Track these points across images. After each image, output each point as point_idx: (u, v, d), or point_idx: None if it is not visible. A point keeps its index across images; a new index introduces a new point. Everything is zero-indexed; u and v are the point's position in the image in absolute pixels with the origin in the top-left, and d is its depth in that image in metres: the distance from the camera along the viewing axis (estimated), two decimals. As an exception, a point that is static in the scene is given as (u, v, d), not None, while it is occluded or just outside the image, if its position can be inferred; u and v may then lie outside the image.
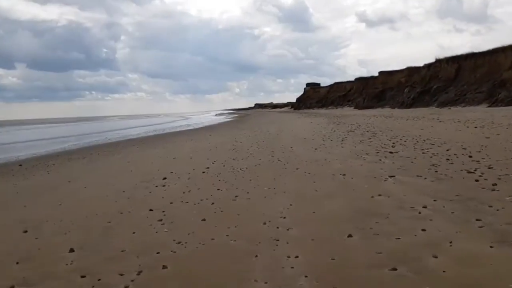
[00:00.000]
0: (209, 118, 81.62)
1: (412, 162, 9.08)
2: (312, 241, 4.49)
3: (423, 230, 4.52)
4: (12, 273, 4.20)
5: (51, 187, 9.76)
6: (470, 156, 9.11)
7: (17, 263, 4.47)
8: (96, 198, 7.81)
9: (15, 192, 9.38)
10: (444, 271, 3.51)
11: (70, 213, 6.64)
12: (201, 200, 6.81)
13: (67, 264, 4.30)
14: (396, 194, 6.24)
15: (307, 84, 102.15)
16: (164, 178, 9.10)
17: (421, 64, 51.00)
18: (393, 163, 9.13)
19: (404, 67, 55.04)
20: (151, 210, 6.35)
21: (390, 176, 7.63)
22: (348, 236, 4.53)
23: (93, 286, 3.74)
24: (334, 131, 19.83)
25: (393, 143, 12.75)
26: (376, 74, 62.07)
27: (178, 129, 37.74)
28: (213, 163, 11.01)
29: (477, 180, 6.74)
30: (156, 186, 8.36)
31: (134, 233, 5.27)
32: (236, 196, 6.95)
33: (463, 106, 35.63)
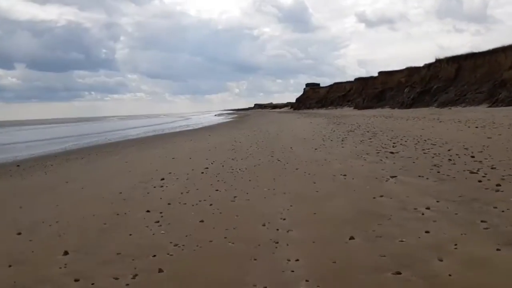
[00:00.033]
0: (209, 118, 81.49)
1: (413, 162, 8.96)
2: (312, 244, 4.37)
3: (427, 232, 4.40)
4: (3, 276, 4.08)
5: (48, 187, 9.63)
6: (472, 156, 8.99)
7: (10, 266, 4.34)
8: (93, 199, 7.68)
9: (11, 193, 9.24)
10: (450, 275, 3.39)
11: (66, 215, 6.51)
12: (200, 201, 6.68)
13: (60, 268, 4.17)
14: (398, 195, 6.11)
15: (307, 85, 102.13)
16: (162, 179, 8.97)
17: (421, 64, 50.98)
18: (394, 163, 9.02)
19: (404, 67, 55.05)
20: (148, 211, 6.22)
21: (392, 177, 7.51)
22: (350, 238, 4.40)
23: (86, 291, 3.62)
24: (334, 131, 19.72)
25: (394, 143, 12.63)
26: (376, 74, 62.01)
27: (178, 130, 37.62)
28: (212, 163, 10.88)
29: (480, 181, 6.62)
30: (154, 187, 8.23)
31: (130, 235, 5.14)
32: (235, 196, 6.82)
33: (464, 106, 35.54)
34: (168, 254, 4.34)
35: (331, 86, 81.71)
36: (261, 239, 4.60)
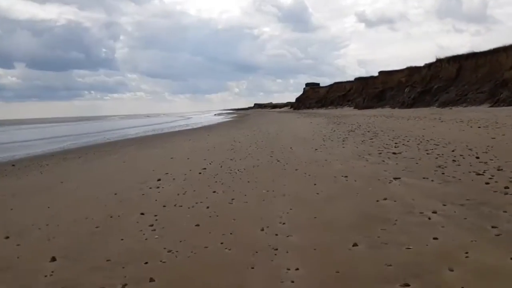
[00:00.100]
0: (208, 118, 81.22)
1: (416, 163, 8.72)
2: (314, 251, 4.11)
3: (435, 238, 4.15)
4: (-15, 285, 3.84)
5: (42, 188, 9.39)
6: (477, 157, 8.75)
7: (-8, 273, 4.10)
8: (87, 200, 7.43)
9: (4, 194, 8.99)
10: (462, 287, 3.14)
11: (57, 217, 6.27)
12: (196, 203, 6.44)
13: (46, 276, 3.93)
14: (403, 198, 5.87)
15: (307, 84, 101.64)
16: (159, 180, 8.73)
17: (422, 64, 50.67)
18: (397, 164, 8.77)
19: (404, 67, 54.72)
20: (142, 214, 5.98)
21: (395, 178, 7.27)
22: (353, 245, 4.15)
23: (71, 302, 3.38)
24: (334, 131, 19.47)
25: (396, 143, 12.39)
26: (376, 74, 61.70)
27: (177, 129, 37.38)
28: (210, 163, 10.64)
29: (487, 183, 6.38)
30: (150, 188, 7.99)
31: (122, 239, 4.90)
32: (233, 199, 6.58)
33: (465, 106, 35.27)
34: (160, 261, 4.10)
35: (331, 86, 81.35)
36: (259, 245, 4.35)
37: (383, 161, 9.35)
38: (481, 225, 4.47)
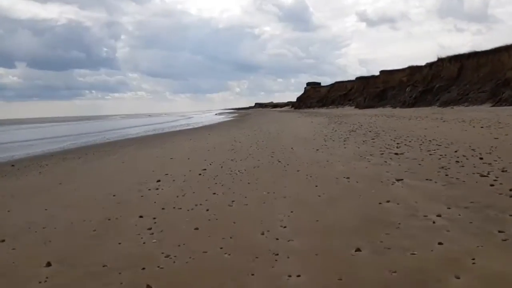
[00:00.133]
0: (209, 117, 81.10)
1: (419, 164, 8.60)
2: (315, 256, 4.00)
3: (440, 243, 4.03)
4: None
5: (41, 189, 9.29)
6: (481, 158, 8.62)
7: (-14, 279, 4.00)
8: (85, 201, 7.33)
9: (2, 195, 8.89)
10: (470, 296, 3.03)
11: (55, 219, 6.17)
12: (195, 205, 6.33)
13: (40, 282, 3.83)
14: (406, 200, 5.75)
15: (308, 84, 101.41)
16: (158, 181, 8.63)
17: (423, 63, 50.47)
18: (399, 165, 8.65)
19: (405, 66, 54.49)
20: (141, 216, 5.87)
21: (398, 180, 7.15)
22: (356, 250, 4.03)
23: (66, 310, 3.27)
24: (336, 131, 19.35)
25: (398, 143, 12.27)
26: (377, 73, 61.51)
27: (178, 129, 37.26)
28: (210, 164, 10.54)
29: (492, 185, 6.26)
30: (149, 189, 7.88)
31: (120, 243, 4.79)
32: (233, 201, 6.47)
33: (466, 106, 35.11)
34: (158, 267, 3.99)
35: (332, 85, 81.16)
36: (259, 250, 4.24)
37: (385, 162, 9.24)
38: (487, 230, 4.35)
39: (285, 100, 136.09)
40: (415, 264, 3.62)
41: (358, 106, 57.74)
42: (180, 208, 6.23)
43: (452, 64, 43.90)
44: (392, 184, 6.95)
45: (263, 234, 4.77)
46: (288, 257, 4.01)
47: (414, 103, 44.73)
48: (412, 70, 52.10)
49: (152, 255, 4.31)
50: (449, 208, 5.24)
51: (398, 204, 5.62)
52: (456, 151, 9.83)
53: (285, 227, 4.99)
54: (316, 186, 7.21)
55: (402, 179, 7.17)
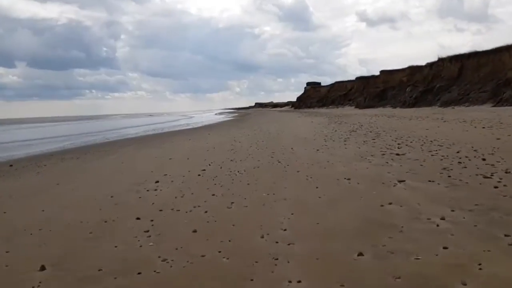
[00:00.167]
0: (210, 117, 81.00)
1: (421, 165, 8.49)
2: (316, 261, 3.88)
3: (445, 248, 3.91)
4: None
5: (38, 190, 9.18)
6: (484, 159, 8.51)
7: (-22, 284, 3.89)
8: (83, 202, 7.22)
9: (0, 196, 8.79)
10: (477, 304, 2.92)
11: (51, 221, 6.06)
12: (194, 207, 6.22)
13: (33, 287, 3.71)
14: (409, 203, 5.64)
15: (308, 83, 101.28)
16: (157, 182, 8.52)
17: (423, 63, 50.34)
18: (401, 166, 8.54)
19: (405, 66, 54.35)
20: (138, 218, 5.76)
21: (400, 181, 7.04)
22: (358, 255, 3.92)
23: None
24: (336, 131, 19.24)
25: (399, 144, 12.15)
26: (377, 73, 61.40)
27: (177, 128, 37.15)
28: (209, 164, 10.42)
29: (496, 187, 6.14)
30: (147, 190, 7.77)
31: (116, 247, 4.68)
32: (232, 203, 6.35)
33: (467, 106, 35.00)
34: (154, 271, 3.87)
35: (332, 85, 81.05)
36: (259, 254, 4.12)
37: (387, 162, 9.13)
38: (493, 233, 4.24)
39: (285, 100, 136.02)
40: (420, 269, 3.51)
41: (358, 106, 57.62)
42: (178, 210, 6.12)
43: (453, 64, 43.79)
44: (394, 185, 6.84)
45: (262, 237, 4.65)
46: (288, 262, 3.90)
47: (414, 103, 44.62)
48: (413, 70, 51.99)
49: (148, 258, 4.20)
50: (453, 210, 5.13)
51: (400, 206, 5.51)
52: (458, 152, 9.72)
53: (285, 230, 4.87)
54: (317, 187, 7.10)
55: (404, 180, 7.06)
